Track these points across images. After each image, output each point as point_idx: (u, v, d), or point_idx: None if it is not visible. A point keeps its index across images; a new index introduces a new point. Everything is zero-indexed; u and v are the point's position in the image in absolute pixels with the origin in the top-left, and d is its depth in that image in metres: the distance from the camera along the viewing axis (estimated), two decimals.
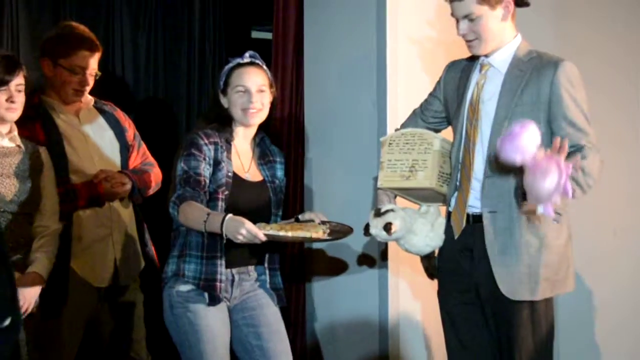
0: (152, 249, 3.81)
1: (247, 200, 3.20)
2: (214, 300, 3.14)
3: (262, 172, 3.33)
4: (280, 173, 3.38)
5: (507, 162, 2.72)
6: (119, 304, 3.69)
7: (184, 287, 3.13)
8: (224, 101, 3.25)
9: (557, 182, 2.63)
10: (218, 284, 3.13)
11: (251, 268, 3.29)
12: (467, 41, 3.01)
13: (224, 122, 3.25)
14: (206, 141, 3.16)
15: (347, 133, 4.10)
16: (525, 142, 2.66)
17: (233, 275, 3.20)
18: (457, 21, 2.99)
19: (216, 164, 3.16)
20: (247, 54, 3.30)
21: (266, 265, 3.34)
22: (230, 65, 3.28)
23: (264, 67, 3.32)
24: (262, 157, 3.36)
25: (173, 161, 3.26)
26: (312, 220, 3.23)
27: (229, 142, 3.23)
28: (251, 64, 3.27)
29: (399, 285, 3.96)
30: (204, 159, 3.14)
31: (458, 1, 2.96)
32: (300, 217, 3.31)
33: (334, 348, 4.17)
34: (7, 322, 1.88)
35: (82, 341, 3.62)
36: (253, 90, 3.21)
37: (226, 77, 3.26)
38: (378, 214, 3.10)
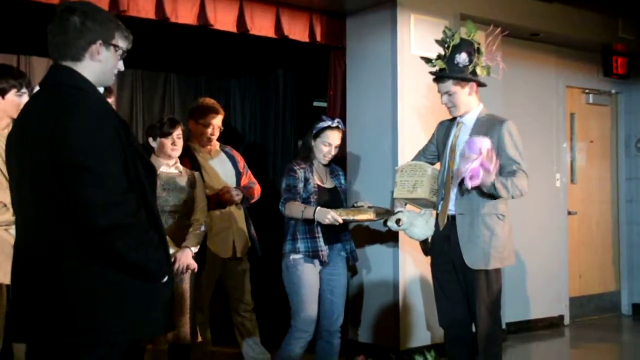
0: (254, 235, 3.79)
1: (327, 199, 3.21)
2: (322, 264, 3.16)
3: (333, 182, 3.32)
4: (343, 181, 3.38)
5: (464, 153, 2.75)
6: (235, 269, 3.69)
7: (297, 256, 3.13)
8: (312, 143, 3.25)
9: (468, 167, 2.69)
10: (320, 252, 3.13)
11: (335, 245, 3.25)
12: (448, 108, 3.01)
13: (310, 155, 3.26)
14: (299, 167, 3.19)
15: (373, 163, 4.04)
16: (476, 146, 2.72)
17: (326, 249, 3.17)
18: (441, 95, 2.99)
19: (306, 180, 3.18)
20: (335, 121, 3.27)
21: (343, 239, 3.28)
22: (324, 124, 3.24)
23: (343, 129, 3.29)
24: (332, 172, 3.34)
25: (280, 180, 3.25)
26: (363, 206, 3.21)
27: (311, 166, 3.24)
28: (336, 127, 3.24)
29: (406, 259, 3.93)
30: (298, 177, 3.16)
31: (441, 83, 2.97)
32: (354, 204, 3.28)
33: (364, 297, 4.09)
34: (166, 278, 1.82)
35: (213, 291, 3.66)
36: (333, 145, 3.23)
37: (318, 131, 3.23)
38: (392, 213, 3.12)
